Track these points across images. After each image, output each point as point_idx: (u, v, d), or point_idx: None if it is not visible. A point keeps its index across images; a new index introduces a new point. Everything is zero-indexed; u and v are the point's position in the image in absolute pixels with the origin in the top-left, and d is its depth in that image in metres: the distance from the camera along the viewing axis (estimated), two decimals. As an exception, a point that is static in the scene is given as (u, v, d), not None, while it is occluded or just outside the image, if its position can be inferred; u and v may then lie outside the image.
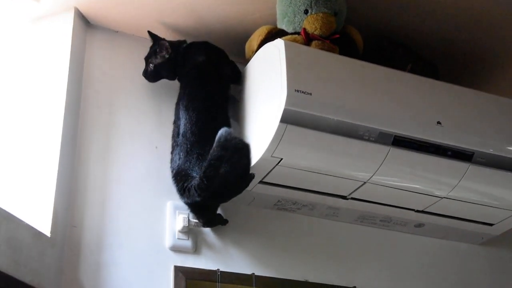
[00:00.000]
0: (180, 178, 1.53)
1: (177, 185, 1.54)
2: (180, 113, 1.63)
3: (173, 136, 1.63)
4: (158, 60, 1.72)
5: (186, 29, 1.83)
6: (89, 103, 1.71)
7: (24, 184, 1.52)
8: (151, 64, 1.72)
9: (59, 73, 1.65)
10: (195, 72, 1.69)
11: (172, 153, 1.61)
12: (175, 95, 1.73)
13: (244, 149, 1.53)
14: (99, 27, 1.81)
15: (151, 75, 1.73)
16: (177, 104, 1.67)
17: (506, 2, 1.77)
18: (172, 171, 1.58)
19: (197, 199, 1.49)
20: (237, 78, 1.75)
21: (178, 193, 1.55)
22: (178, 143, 1.58)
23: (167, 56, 1.71)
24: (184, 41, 1.76)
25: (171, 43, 1.73)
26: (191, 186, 1.49)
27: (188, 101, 1.62)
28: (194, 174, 1.51)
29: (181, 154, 1.55)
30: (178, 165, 1.55)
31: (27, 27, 1.74)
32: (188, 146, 1.55)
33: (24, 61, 1.70)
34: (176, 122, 1.64)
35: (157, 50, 1.71)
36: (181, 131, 1.59)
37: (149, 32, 1.75)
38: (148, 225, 1.61)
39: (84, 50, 1.76)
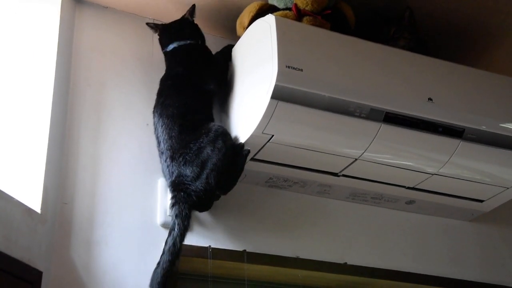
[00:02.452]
0: (175, 188, 1.53)
1: (174, 195, 1.53)
2: (156, 121, 1.61)
3: (157, 146, 1.62)
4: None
5: (177, 7, 1.81)
6: (79, 81, 1.69)
7: (14, 161, 1.51)
8: None
9: (48, 50, 1.63)
10: (172, 82, 1.66)
11: (160, 162, 1.60)
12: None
13: (224, 132, 1.56)
14: (88, 2, 1.79)
15: None
16: (153, 112, 1.64)
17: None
18: (166, 180, 1.58)
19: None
20: (221, 86, 1.70)
21: (174, 201, 1.54)
22: (162, 151, 1.58)
23: (156, 33, 1.75)
24: (194, 38, 1.73)
25: (164, 28, 1.73)
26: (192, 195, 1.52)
27: (163, 109, 1.61)
28: (188, 180, 1.51)
29: (168, 160, 1.56)
30: (170, 173, 1.55)
31: (14, 3, 1.72)
32: (170, 151, 1.55)
33: (11, 38, 1.68)
34: (155, 132, 1.62)
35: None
36: (161, 139, 1.58)
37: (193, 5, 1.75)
38: (140, 203, 1.61)
39: (73, 27, 1.74)
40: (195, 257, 1.60)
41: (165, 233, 1.59)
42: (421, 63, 1.67)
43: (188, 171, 1.52)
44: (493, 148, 1.66)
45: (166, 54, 1.72)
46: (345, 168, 1.68)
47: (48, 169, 1.48)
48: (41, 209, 1.43)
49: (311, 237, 1.77)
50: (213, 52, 1.77)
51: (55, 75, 1.60)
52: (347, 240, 1.81)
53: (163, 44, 1.73)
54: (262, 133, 1.54)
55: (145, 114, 1.71)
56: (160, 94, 1.66)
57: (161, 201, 1.62)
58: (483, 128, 1.65)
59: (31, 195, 1.43)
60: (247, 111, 1.59)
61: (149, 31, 1.81)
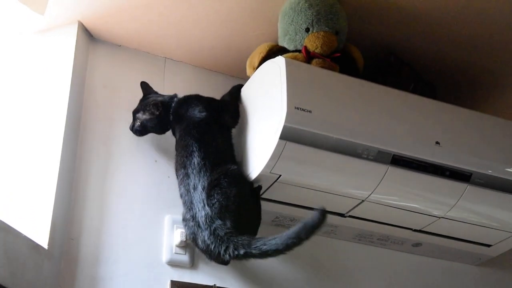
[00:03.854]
0: (221, 240, 1.48)
1: (229, 245, 1.48)
2: (188, 164, 1.56)
3: (182, 195, 1.56)
4: (146, 116, 1.66)
5: (188, 45, 1.85)
6: (90, 116, 1.72)
7: (22, 196, 1.52)
8: (138, 120, 1.66)
9: (61, 85, 1.65)
10: (200, 129, 1.61)
11: (190, 210, 1.53)
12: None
13: (240, 173, 1.57)
14: (102, 41, 1.83)
15: (138, 130, 1.67)
16: (182, 158, 1.59)
17: (503, 25, 1.79)
18: (199, 232, 1.51)
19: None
20: (237, 121, 1.70)
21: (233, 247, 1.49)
22: (195, 198, 1.52)
23: (157, 113, 1.65)
24: (175, 96, 1.69)
25: (162, 101, 1.66)
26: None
27: (200, 153, 1.56)
28: (229, 228, 1.48)
29: (206, 207, 1.50)
30: (207, 223, 1.49)
31: (31, 39, 1.76)
32: (205, 196, 1.51)
33: (27, 73, 1.71)
34: (183, 180, 1.56)
35: (147, 107, 1.66)
36: (194, 182, 1.53)
37: (141, 83, 1.73)
38: (146, 239, 1.61)
39: (87, 64, 1.77)
40: (200, 296, 1.59)
41: (170, 271, 1.60)
42: (429, 107, 1.69)
43: (228, 222, 1.48)
44: (501, 193, 1.66)
45: (172, 118, 1.66)
46: (351, 209, 1.68)
47: (56, 204, 1.49)
48: (48, 244, 1.43)
49: (316, 278, 1.75)
50: (223, 91, 1.79)
51: (67, 110, 1.62)
52: (353, 282, 1.79)
53: (166, 113, 1.66)
54: (270, 172, 1.54)
55: (153, 151, 1.73)
56: (191, 140, 1.60)
57: (167, 238, 1.62)
58: (490, 172, 1.65)
59: (38, 231, 1.43)
60: (255, 150, 1.60)
61: (161, 69, 1.85)
